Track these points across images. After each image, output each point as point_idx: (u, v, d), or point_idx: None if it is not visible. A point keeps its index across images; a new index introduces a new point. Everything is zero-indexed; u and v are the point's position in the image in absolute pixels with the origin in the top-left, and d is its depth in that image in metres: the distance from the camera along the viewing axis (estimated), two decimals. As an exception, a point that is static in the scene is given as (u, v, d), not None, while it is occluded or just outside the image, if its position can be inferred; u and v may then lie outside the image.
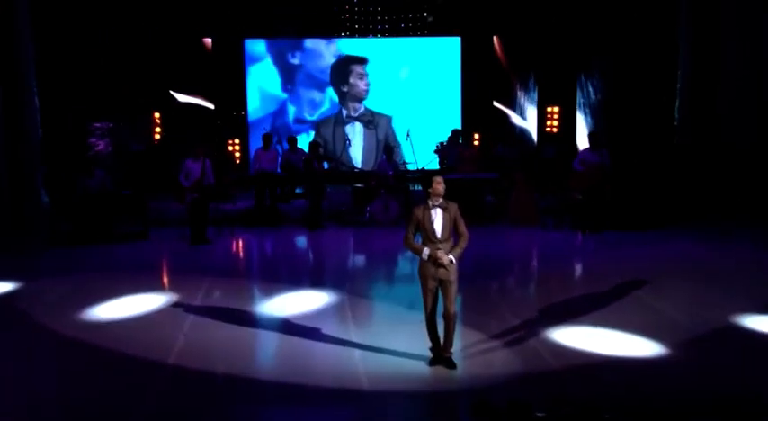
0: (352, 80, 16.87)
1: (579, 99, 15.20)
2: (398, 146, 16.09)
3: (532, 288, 9.26)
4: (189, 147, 11.24)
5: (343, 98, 16.94)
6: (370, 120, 16.95)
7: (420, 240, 5.94)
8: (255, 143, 15.09)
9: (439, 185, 5.81)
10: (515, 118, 16.98)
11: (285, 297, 8.29)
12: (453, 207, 5.89)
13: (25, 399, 5.64)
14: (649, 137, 12.98)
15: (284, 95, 16.89)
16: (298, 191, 14.73)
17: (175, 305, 7.91)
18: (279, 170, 13.73)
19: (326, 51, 16.85)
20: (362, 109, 16.95)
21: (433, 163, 14.03)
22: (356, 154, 16.91)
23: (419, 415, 5.52)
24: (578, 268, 10.10)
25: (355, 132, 16.89)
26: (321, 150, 13.17)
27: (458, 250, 5.88)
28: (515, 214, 12.54)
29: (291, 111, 16.94)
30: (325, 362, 6.27)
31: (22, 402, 5.59)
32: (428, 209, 5.84)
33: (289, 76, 16.87)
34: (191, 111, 16.04)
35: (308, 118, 16.97)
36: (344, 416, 5.42)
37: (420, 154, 13.91)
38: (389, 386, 5.70)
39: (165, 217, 12.60)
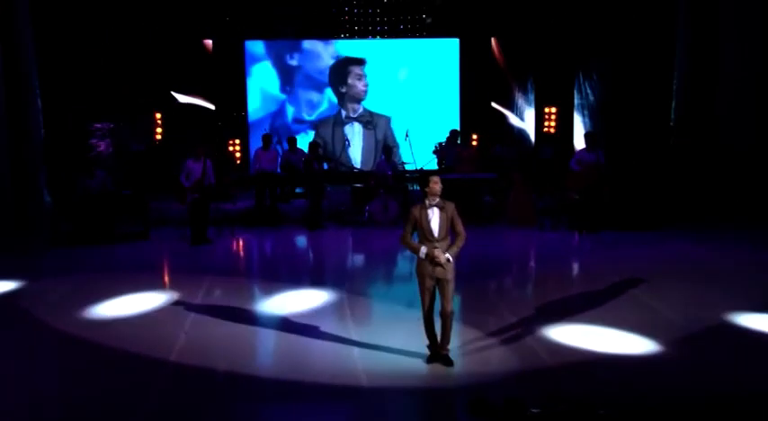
0: (350, 81, 16.96)
1: (576, 100, 15.28)
2: (397, 146, 16.17)
3: (530, 287, 9.31)
4: (190, 147, 11.28)
5: (342, 99, 17.03)
6: (369, 121, 17.03)
7: (417, 239, 5.99)
8: (256, 143, 15.15)
9: (436, 185, 5.87)
10: (513, 119, 17.05)
11: (285, 295, 8.35)
12: (450, 206, 5.95)
13: (28, 397, 5.68)
14: (646, 137, 13.04)
15: (283, 96, 16.98)
16: (298, 191, 14.79)
17: (176, 304, 7.96)
18: (279, 170, 13.81)
19: (324, 52, 16.94)
20: (361, 109, 17.04)
21: (431, 163, 14.10)
22: (355, 154, 16.99)
23: (417, 411, 5.57)
24: (575, 268, 10.15)
25: (354, 133, 16.98)
26: (321, 151, 13.23)
27: (455, 249, 5.93)
28: (513, 214, 12.59)
29: (290, 111, 17.03)
30: (325, 359, 6.33)
31: (24, 400, 5.61)
32: (425, 208, 5.90)
33: (287, 77, 16.95)
34: (191, 111, 16.12)
35: (307, 118, 17.06)
36: (343, 412, 5.48)
37: (419, 154, 13.97)
38: (387, 383, 5.76)
39: (166, 217, 12.65)
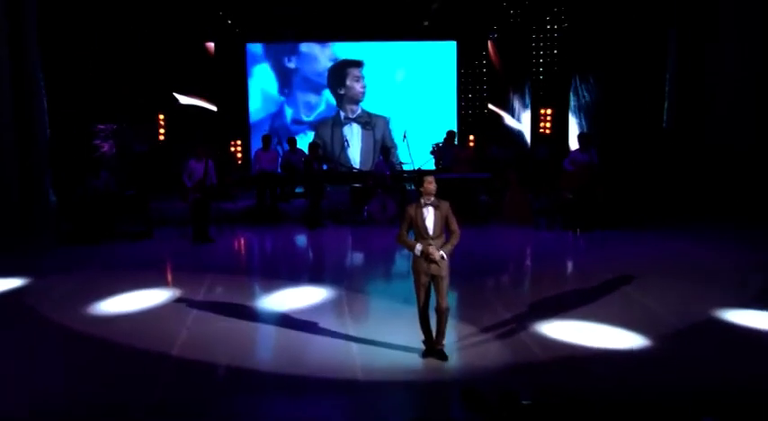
0: (348, 82, 17.11)
1: (573, 102, 15.43)
2: (395, 147, 16.30)
3: (524, 284, 9.41)
4: (192, 148, 11.36)
5: (341, 100, 17.17)
6: (368, 122, 17.18)
7: (413, 237, 6.09)
8: (256, 144, 15.27)
9: (430, 185, 5.98)
10: (509, 120, 17.20)
11: (285, 292, 8.44)
12: (445, 205, 6.06)
13: (34, 391, 5.74)
14: (639, 138, 13.21)
15: (282, 98, 17.14)
16: (298, 190, 14.91)
17: (179, 300, 8.06)
18: (279, 170, 13.94)
19: (321, 55, 17.10)
20: (359, 111, 17.18)
21: (429, 163, 14.22)
22: (354, 154, 17.12)
23: (412, 404, 5.69)
24: (569, 266, 10.23)
25: (353, 133, 17.12)
26: (320, 151, 13.34)
27: (449, 246, 6.05)
28: (509, 214, 12.68)
29: (289, 113, 17.19)
30: (323, 354, 6.43)
31: (30, 394, 5.69)
32: (420, 207, 6.02)
33: (285, 79, 17.11)
34: (194, 112, 16.26)
35: (306, 119, 17.21)
36: (340, 405, 5.58)
37: (416, 155, 14.09)
38: (384, 377, 5.88)
39: (169, 216, 12.72)
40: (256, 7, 16.00)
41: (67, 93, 12.95)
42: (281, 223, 12.98)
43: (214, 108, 16.60)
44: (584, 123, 15.06)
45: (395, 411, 5.53)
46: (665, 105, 13.08)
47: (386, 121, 17.17)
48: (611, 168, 12.09)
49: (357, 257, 11.58)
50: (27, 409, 5.45)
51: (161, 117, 15.65)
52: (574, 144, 14.18)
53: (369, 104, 17.19)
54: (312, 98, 17.18)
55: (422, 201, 6.04)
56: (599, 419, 5.09)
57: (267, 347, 7.00)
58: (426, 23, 16.53)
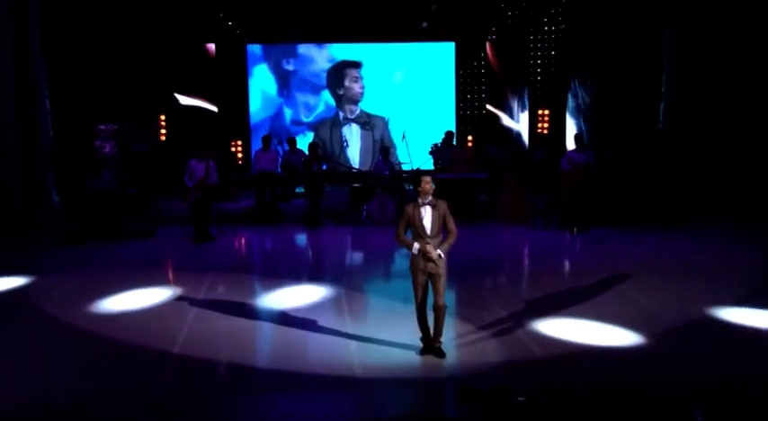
0: (347, 83, 17.21)
1: (571, 103, 15.52)
2: (394, 147, 16.38)
3: (521, 283, 9.46)
4: (195, 149, 11.43)
5: (340, 101, 17.27)
6: (367, 122, 17.28)
7: (411, 236, 6.17)
8: (257, 144, 15.36)
9: (427, 184, 6.06)
10: (507, 120, 17.29)
11: (285, 291, 8.50)
12: (442, 205, 6.14)
13: (36, 389, 5.79)
14: (635, 138, 13.30)
15: (281, 99, 17.23)
16: (298, 190, 15.00)
17: (180, 298, 8.12)
18: (279, 170, 14.02)
19: (319, 57, 17.20)
20: (358, 111, 17.28)
21: (427, 163, 14.31)
22: (353, 155, 17.22)
23: (409, 401, 5.75)
24: (565, 264, 10.27)
25: (352, 134, 17.22)
26: (320, 151, 13.43)
27: (446, 245, 6.13)
28: (505, 213, 12.74)
29: (288, 114, 17.28)
30: (322, 351, 6.51)
31: (33, 391, 5.74)
32: (418, 206, 6.10)
33: (284, 81, 17.20)
34: (195, 113, 16.35)
35: (305, 120, 17.32)
36: (340, 402, 5.65)
37: (415, 155, 14.16)
38: (382, 374, 5.95)
39: (170, 215, 12.79)
40: (256, 8, 16.09)
41: (69, 93, 13.00)
42: (281, 223, 13.03)
43: (215, 108, 16.69)
44: (581, 124, 15.15)
45: (393, 407, 5.59)
46: (662, 106, 13.16)
47: (385, 122, 17.27)
48: (607, 167, 12.15)
49: (356, 256, 11.64)
50: (29, 407, 5.49)
51: (162, 117, 15.75)
52: (571, 145, 14.30)
53: (368, 105, 17.28)
54: (311, 99, 17.29)
55: (419, 200, 6.11)
56: (593, 414, 5.17)
57: (267, 345, 7.07)
58: (425, 25, 16.62)
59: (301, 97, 17.28)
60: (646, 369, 6.07)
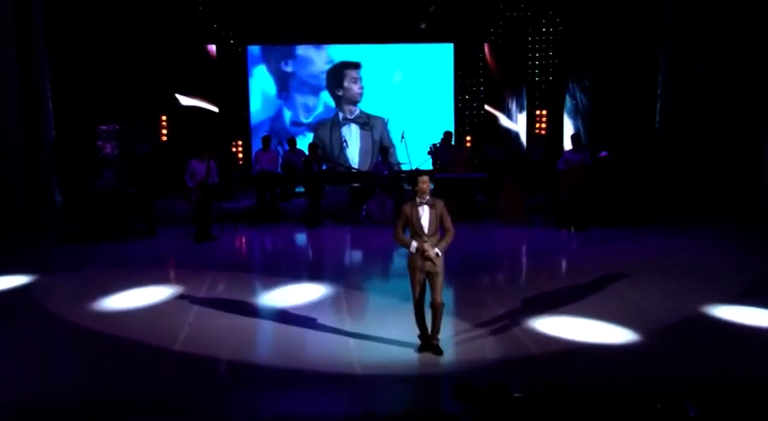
0: (346, 84, 17.27)
1: (569, 104, 15.59)
2: (393, 147, 16.43)
3: (519, 281, 9.49)
4: (195, 149, 11.48)
5: (339, 102, 17.34)
6: (366, 123, 17.35)
7: (409, 235, 6.25)
8: (257, 144, 15.40)
9: (424, 184, 6.14)
10: (506, 121, 17.37)
11: (285, 289, 8.55)
12: (440, 204, 6.21)
13: (39, 386, 5.85)
14: (632, 139, 13.37)
15: (280, 100, 17.31)
16: (298, 190, 15.05)
17: (181, 297, 8.17)
18: (279, 170, 14.09)
19: (317, 58, 17.27)
20: (358, 111, 17.35)
21: (426, 163, 14.37)
22: (353, 155, 17.27)
23: (407, 397, 5.81)
24: (563, 263, 10.29)
25: (352, 134, 17.29)
26: (320, 151, 13.47)
27: (443, 244, 6.21)
28: (503, 213, 12.79)
29: (287, 114, 17.36)
30: (321, 349, 6.57)
31: (35, 389, 5.79)
32: (416, 206, 6.18)
33: (283, 82, 17.27)
34: (196, 114, 16.42)
35: (304, 121, 17.39)
36: (339, 399, 5.68)
37: (414, 155, 14.22)
38: (380, 371, 6.01)
39: (172, 215, 12.82)
40: (256, 9, 16.16)
41: (71, 94, 13.06)
42: (281, 222, 13.07)
43: (215, 109, 16.77)
44: (579, 124, 15.23)
45: (391, 404, 5.63)
46: (658, 106, 13.24)
47: (384, 122, 17.33)
48: (604, 167, 12.22)
49: (355, 255, 11.67)
50: (32, 403, 5.54)
51: (163, 118, 15.81)
52: (568, 145, 14.39)
53: (367, 105, 17.36)
54: (310, 100, 17.36)
55: (417, 199, 6.19)
56: (587, 411, 5.25)
57: (267, 342, 7.12)
58: (424, 26, 16.69)
59: (300, 98, 17.35)
60: (640, 366, 6.13)
